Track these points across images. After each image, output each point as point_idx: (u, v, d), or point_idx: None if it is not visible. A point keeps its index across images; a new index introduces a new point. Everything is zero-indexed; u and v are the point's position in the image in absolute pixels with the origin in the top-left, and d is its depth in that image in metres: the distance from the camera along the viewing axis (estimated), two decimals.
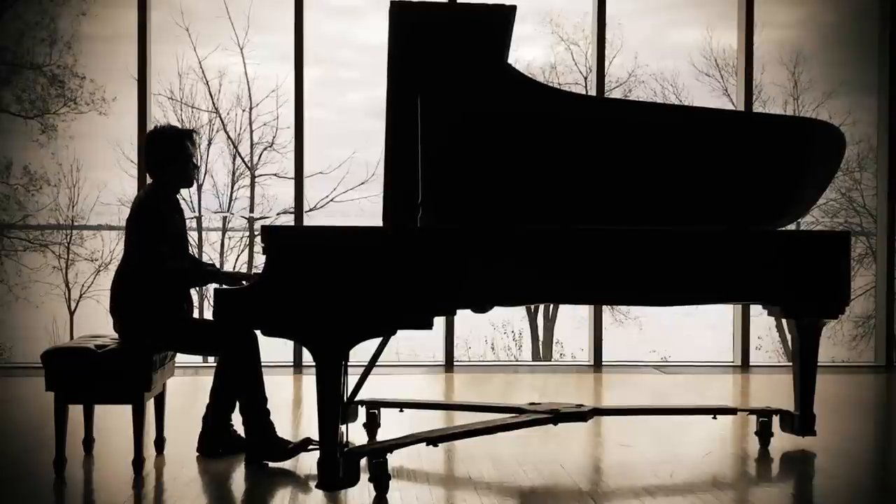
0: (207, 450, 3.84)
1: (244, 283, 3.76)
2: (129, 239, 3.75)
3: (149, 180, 3.86)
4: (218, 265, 8.80)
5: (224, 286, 3.54)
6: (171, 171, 3.79)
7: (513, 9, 3.45)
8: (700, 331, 8.76)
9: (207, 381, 3.96)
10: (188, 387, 5.60)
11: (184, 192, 4.04)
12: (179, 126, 3.94)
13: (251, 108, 8.96)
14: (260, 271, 3.29)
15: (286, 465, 3.69)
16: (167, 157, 3.77)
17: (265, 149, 9.04)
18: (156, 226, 3.68)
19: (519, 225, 3.56)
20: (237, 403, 3.77)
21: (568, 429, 4.18)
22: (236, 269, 8.40)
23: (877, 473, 3.89)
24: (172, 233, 3.77)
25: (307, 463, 3.68)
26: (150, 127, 6.03)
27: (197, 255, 8.73)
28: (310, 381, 4.44)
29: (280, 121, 8.68)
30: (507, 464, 3.74)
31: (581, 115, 3.71)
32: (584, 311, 7.40)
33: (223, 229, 9.37)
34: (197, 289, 8.30)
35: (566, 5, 9.21)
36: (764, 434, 4.10)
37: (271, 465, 3.68)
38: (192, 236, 9.02)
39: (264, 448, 3.70)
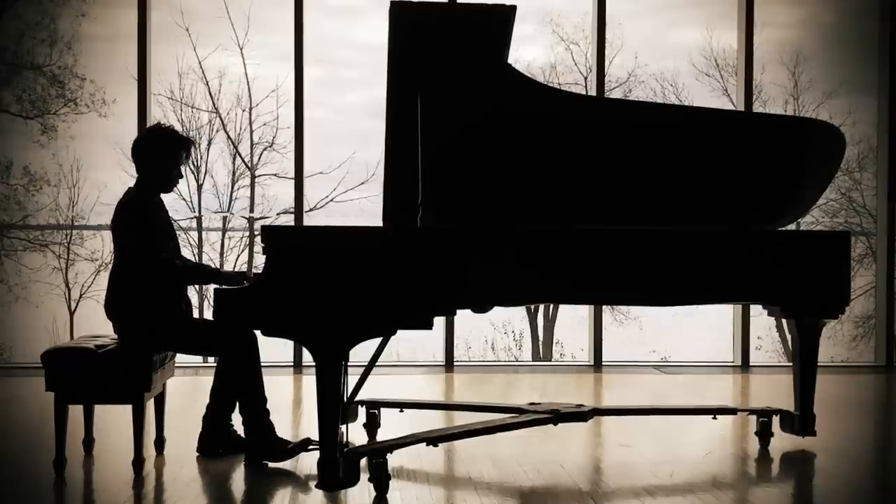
0: (207, 450, 3.83)
1: (245, 283, 3.76)
2: (117, 242, 3.75)
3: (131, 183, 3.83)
4: (218, 265, 8.83)
5: (224, 286, 3.53)
6: (154, 168, 3.76)
7: (513, 9, 3.45)
8: (700, 331, 8.76)
9: (207, 381, 3.96)
10: (188, 387, 5.60)
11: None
12: (182, 133, 3.91)
13: (251, 108, 8.96)
14: (260, 271, 3.29)
15: (286, 465, 3.69)
16: (157, 153, 3.75)
17: (265, 149, 9.04)
18: (142, 222, 3.67)
19: (519, 225, 3.56)
20: (237, 403, 3.77)
21: (568, 429, 4.18)
22: (236, 269, 8.41)
23: (877, 473, 3.89)
24: (160, 230, 3.76)
25: (307, 463, 3.68)
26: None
27: (196, 255, 8.75)
28: (310, 381, 4.44)
29: (280, 121, 8.68)
30: (507, 464, 3.74)
31: (581, 116, 3.71)
32: (584, 311, 7.40)
33: (223, 229, 9.36)
34: (196, 289, 8.30)
35: (566, 5, 9.22)
36: (764, 434, 4.10)
37: (271, 465, 3.68)
38: (192, 236, 9.01)
39: (264, 448, 3.70)
